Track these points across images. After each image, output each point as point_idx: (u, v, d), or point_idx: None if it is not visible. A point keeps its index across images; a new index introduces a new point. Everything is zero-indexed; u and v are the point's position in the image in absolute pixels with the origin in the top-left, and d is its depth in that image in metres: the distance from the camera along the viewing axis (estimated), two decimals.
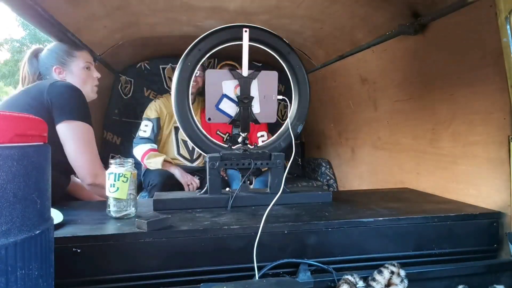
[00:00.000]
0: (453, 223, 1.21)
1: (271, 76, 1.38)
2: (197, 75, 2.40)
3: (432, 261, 1.18)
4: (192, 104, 1.73)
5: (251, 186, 1.58)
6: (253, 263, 1.00)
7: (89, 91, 1.61)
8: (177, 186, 2.30)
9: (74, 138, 1.36)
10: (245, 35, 1.34)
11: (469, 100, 1.41)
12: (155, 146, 2.41)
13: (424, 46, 1.62)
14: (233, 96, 1.35)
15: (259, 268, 1.01)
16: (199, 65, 1.37)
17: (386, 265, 1.03)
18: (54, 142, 1.31)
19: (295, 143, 1.43)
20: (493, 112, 1.30)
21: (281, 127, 1.50)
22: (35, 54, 1.58)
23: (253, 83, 1.36)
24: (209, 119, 1.35)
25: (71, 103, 1.38)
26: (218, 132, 2.65)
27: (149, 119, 2.45)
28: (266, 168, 1.55)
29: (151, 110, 2.48)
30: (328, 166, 2.88)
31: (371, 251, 1.15)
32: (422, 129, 1.71)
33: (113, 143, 2.96)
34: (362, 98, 2.27)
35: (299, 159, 3.27)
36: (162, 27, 2.19)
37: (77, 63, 1.58)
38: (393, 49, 1.84)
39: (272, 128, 2.53)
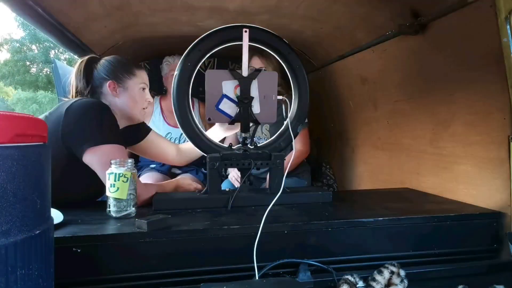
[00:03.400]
0: (453, 223, 1.21)
1: (271, 77, 1.38)
2: None
3: (432, 261, 1.18)
4: None
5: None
6: (253, 263, 1.00)
7: (137, 113, 1.48)
8: None
9: (100, 165, 1.23)
10: (245, 35, 1.34)
11: (469, 100, 1.41)
12: None
13: (424, 46, 1.62)
14: (233, 96, 1.35)
15: (259, 268, 1.01)
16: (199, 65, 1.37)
17: (386, 265, 1.03)
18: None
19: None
20: (493, 112, 1.30)
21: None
22: (91, 64, 1.46)
23: (253, 83, 1.36)
24: (209, 119, 1.35)
25: (90, 127, 1.25)
26: None
27: None
28: None
29: None
30: (328, 166, 2.87)
31: (371, 251, 1.15)
32: (422, 129, 1.71)
33: None
34: (362, 98, 2.27)
35: None
36: (162, 27, 2.19)
37: (135, 81, 1.46)
38: (393, 49, 1.84)
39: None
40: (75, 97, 1.44)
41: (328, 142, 2.94)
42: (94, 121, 1.27)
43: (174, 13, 1.94)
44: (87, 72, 1.44)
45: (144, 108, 1.51)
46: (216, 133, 1.55)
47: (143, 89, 1.49)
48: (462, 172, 1.45)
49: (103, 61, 1.47)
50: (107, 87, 1.42)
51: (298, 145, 2.17)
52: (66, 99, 1.42)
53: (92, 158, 1.24)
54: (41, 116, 1.35)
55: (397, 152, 1.95)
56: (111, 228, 1.06)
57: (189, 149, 1.70)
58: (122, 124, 1.46)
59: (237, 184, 2.20)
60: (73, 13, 1.73)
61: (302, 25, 2.11)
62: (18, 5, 1.41)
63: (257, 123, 1.39)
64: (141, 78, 1.48)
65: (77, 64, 1.48)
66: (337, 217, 1.17)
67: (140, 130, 1.64)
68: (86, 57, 1.48)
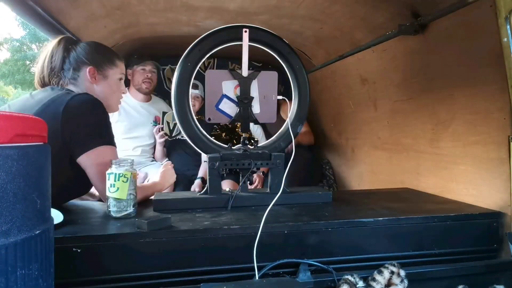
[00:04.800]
0: (453, 223, 1.21)
1: (271, 76, 1.38)
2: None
3: (432, 261, 1.18)
4: None
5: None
6: (253, 263, 1.00)
7: (114, 104, 1.48)
8: None
9: (94, 165, 1.23)
10: (245, 35, 1.34)
11: (469, 100, 1.41)
12: None
13: (424, 46, 1.62)
14: (233, 96, 1.35)
15: (259, 268, 1.01)
16: (197, 67, 1.37)
17: (386, 265, 1.03)
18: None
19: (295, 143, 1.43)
20: (493, 112, 1.30)
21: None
22: (67, 44, 1.39)
23: (253, 83, 1.36)
24: (209, 119, 1.35)
25: (91, 128, 1.25)
26: None
27: None
28: None
29: None
30: (328, 166, 2.87)
31: (371, 251, 1.15)
32: (422, 129, 1.71)
33: None
34: (362, 98, 2.27)
35: None
36: (162, 27, 2.19)
37: (115, 71, 1.44)
38: (393, 49, 1.84)
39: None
40: (48, 79, 1.37)
41: (328, 142, 2.94)
42: (97, 120, 1.27)
43: (174, 13, 1.94)
44: (64, 52, 1.38)
45: (120, 99, 1.51)
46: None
47: (120, 79, 1.48)
48: (462, 172, 1.45)
49: (84, 45, 1.42)
50: (86, 72, 1.37)
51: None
52: (42, 88, 1.37)
53: (88, 158, 1.23)
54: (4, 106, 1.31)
55: (397, 152, 1.95)
56: (111, 228, 1.06)
57: (145, 187, 1.46)
58: None
59: None
60: (73, 13, 1.73)
61: (302, 25, 2.11)
62: (18, 5, 1.41)
63: (257, 123, 1.39)
64: (121, 69, 1.47)
65: (53, 43, 1.40)
66: (337, 217, 1.17)
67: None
68: (64, 37, 1.42)
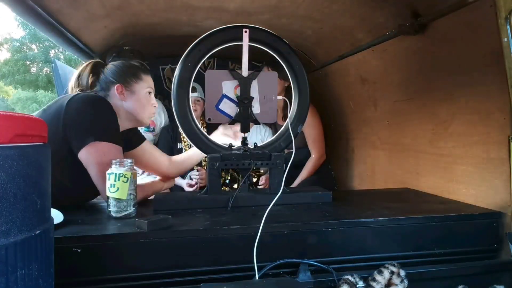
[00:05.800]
0: (453, 223, 1.21)
1: (271, 77, 1.39)
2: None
3: (432, 261, 1.18)
4: None
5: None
6: (253, 263, 1.00)
7: (146, 118, 1.49)
8: None
9: (94, 163, 1.23)
10: (245, 36, 1.34)
11: (469, 100, 1.41)
12: None
13: (424, 46, 1.62)
14: (233, 96, 1.35)
15: (259, 268, 1.01)
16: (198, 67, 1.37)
17: (386, 265, 1.03)
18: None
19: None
20: (493, 112, 1.30)
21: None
22: (97, 68, 1.47)
23: (253, 84, 1.36)
24: (209, 119, 1.35)
25: (93, 121, 1.26)
26: None
27: None
28: None
29: None
30: (328, 166, 2.87)
31: (371, 251, 1.15)
32: (422, 129, 1.71)
33: None
34: (362, 98, 2.27)
35: None
36: (162, 27, 2.19)
37: (141, 86, 1.46)
38: (393, 49, 1.84)
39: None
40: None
41: (328, 142, 2.93)
42: (97, 116, 1.28)
43: (174, 13, 1.94)
44: (93, 75, 1.45)
45: (152, 113, 1.52)
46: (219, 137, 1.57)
47: (149, 93, 1.50)
48: (462, 172, 1.45)
49: (111, 65, 1.47)
50: (114, 90, 1.41)
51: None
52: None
53: (88, 154, 1.23)
54: (39, 111, 1.35)
55: (397, 152, 1.95)
56: (111, 228, 1.06)
57: (182, 161, 1.67)
58: (127, 126, 1.46)
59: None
60: (73, 13, 1.73)
61: (302, 25, 2.11)
62: (18, 5, 1.41)
63: (257, 123, 1.39)
64: (147, 83, 1.49)
65: (82, 66, 1.47)
66: (337, 217, 1.17)
67: (134, 137, 1.60)
68: (93, 60, 1.49)
